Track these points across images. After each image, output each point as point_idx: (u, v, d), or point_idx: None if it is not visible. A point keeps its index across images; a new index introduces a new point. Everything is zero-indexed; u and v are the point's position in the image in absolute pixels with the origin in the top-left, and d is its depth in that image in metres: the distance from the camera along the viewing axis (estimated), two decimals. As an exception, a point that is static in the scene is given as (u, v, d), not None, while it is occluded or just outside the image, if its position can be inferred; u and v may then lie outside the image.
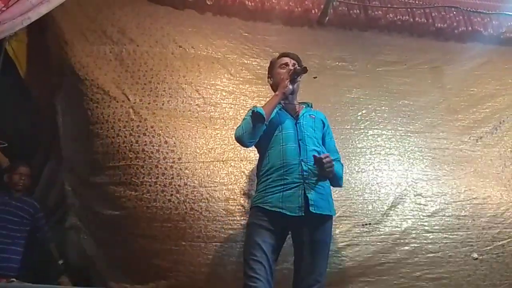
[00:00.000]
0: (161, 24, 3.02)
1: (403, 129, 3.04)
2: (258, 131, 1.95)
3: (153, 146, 2.62)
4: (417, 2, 3.43)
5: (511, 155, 3.05)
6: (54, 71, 2.89)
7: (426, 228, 2.67)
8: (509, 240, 2.72)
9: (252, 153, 2.64)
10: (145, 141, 2.62)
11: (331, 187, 2.03)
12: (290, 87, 2.03)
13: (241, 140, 2.00)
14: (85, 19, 2.92)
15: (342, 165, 2.12)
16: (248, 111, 2.06)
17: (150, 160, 2.58)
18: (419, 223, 2.68)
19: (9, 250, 2.62)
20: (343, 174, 2.11)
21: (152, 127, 2.66)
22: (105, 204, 2.57)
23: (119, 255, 2.52)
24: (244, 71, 3.03)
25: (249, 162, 2.68)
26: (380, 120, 3.04)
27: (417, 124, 3.08)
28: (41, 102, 2.99)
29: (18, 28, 2.26)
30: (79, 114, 2.78)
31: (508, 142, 3.10)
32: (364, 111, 3.05)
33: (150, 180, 2.54)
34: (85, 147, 2.72)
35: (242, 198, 2.59)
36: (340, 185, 2.12)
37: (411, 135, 3.03)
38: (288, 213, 1.83)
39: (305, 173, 1.89)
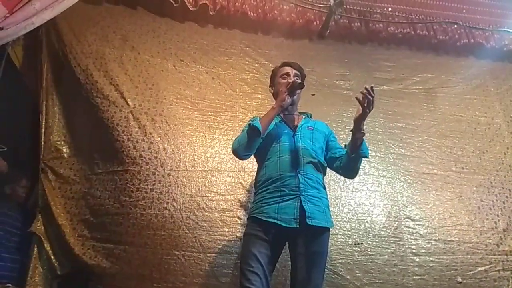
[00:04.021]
0: (163, 39, 3.04)
1: (395, 152, 3.07)
2: (254, 144, 1.96)
3: (151, 152, 2.60)
4: (418, 16, 3.48)
5: (494, 184, 3.07)
6: (50, 71, 2.82)
7: (414, 251, 2.71)
8: (491, 265, 2.76)
9: (250, 164, 2.66)
10: (143, 147, 2.60)
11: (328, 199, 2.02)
12: (288, 100, 2.03)
13: (237, 153, 2.02)
14: (86, 22, 2.91)
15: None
16: (247, 122, 2.07)
17: (148, 167, 2.56)
18: (407, 246, 2.71)
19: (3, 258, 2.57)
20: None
21: (151, 133, 2.65)
22: (93, 210, 2.52)
23: (104, 264, 2.43)
24: (244, 85, 3.05)
25: (247, 173, 2.67)
26: (374, 142, 3.06)
27: (408, 148, 3.11)
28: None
29: (22, 33, 2.25)
30: (76, 118, 2.75)
31: (491, 171, 3.12)
32: (360, 131, 3.07)
33: (146, 187, 2.51)
34: (77, 152, 2.67)
35: (238, 210, 2.57)
36: (366, 154, 2.03)
37: (403, 158, 3.06)
38: (283, 225, 1.82)
39: (301, 185, 1.89)
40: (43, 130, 2.67)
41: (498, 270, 2.74)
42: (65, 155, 2.66)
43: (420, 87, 3.38)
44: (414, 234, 2.75)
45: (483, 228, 2.86)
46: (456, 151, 3.17)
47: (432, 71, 3.46)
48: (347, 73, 3.30)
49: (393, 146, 3.08)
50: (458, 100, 3.39)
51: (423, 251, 2.71)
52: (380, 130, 3.13)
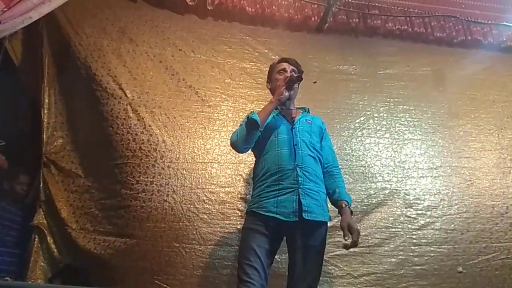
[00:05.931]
0: (161, 29, 3.01)
1: (400, 137, 3.02)
2: (252, 137, 1.95)
3: (150, 144, 2.59)
4: (416, 11, 3.44)
5: (510, 164, 3.02)
6: (51, 65, 2.80)
7: (414, 241, 2.68)
8: (494, 254, 2.72)
9: (250, 157, 2.59)
10: (143, 140, 2.59)
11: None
12: (286, 94, 2.02)
13: (235, 146, 2.02)
14: (84, 14, 2.88)
15: (341, 176, 2.08)
16: (246, 116, 2.04)
17: (147, 159, 2.55)
18: (407, 236, 2.69)
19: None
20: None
21: (150, 125, 2.64)
22: (96, 203, 2.53)
23: (104, 257, 2.42)
24: (243, 75, 3.02)
25: (247, 165, 2.66)
26: (378, 128, 3.02)
27: (415, 132, 3.06)
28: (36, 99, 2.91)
29: (19, 27, 2.22)
30: (77, 111, 2.74)
31: (508, 150, 3.07)
32: (362, 118, 3.03)
33: (146, 180, 2.51)
34: (79, 146, 2.67)
35: (239, 202, 2.57)
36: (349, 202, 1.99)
37: (408, 143, 3.01)
38: (282, 218, 1.81)
39: (300, 178, 1.87)
40: (45, 124, 2.67)
41: (502, 259, 2.71)
42: (67, 148, 2.66)
43: (428, 69, 3.34)
44: (415, 224, 2.72)
45: (492, 216, 2.82)
46: (470, 128, 3.13)
47: (438, 55, 3.42)
48: (350, 58, 3.26)
49: (398, 131, 3.04)
50: (469, 80, 3.34)
51: (423, 241, 2.68)
52: (385, 115, 3.09)
